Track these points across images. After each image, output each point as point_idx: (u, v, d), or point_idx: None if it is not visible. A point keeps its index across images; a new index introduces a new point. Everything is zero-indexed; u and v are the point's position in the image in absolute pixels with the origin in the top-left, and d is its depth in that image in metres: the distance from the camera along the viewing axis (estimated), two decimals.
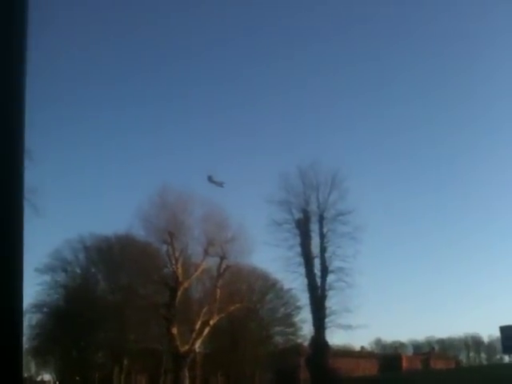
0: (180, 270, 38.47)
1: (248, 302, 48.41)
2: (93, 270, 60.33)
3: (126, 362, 57.48)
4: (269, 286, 59.75)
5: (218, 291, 39.95)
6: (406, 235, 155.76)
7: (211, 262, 41.57)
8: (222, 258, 40.62)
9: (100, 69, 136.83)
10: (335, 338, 47.87)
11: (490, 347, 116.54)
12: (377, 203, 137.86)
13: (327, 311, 41.15)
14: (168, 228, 38.39)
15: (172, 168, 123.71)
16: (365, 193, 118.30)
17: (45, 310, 59.55)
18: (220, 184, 42.05)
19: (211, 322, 39.15)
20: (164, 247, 39.74)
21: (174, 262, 38.52)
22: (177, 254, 38.77)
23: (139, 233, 42.56)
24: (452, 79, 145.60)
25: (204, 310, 39.60)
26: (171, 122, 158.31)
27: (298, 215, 43.41)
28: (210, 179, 41.42)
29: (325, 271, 41.76)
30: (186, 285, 39.56)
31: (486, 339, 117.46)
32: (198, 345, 39.32)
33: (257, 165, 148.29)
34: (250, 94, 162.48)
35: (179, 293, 38.19)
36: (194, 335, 38.42)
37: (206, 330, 39.00)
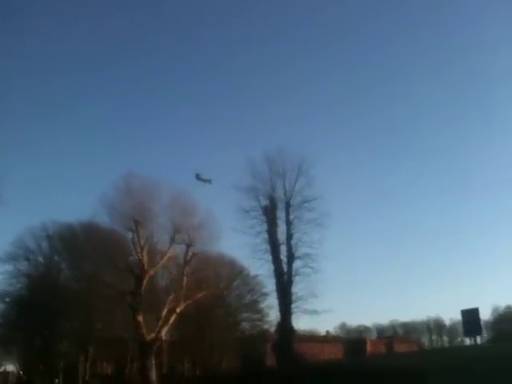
0: (146, 258, 38.07)
1: (215, 289, 48.34)
2: (56, 259, 59.22)
3: (91, 350, 56.97)
4: (236, 272, 59.82)
5: (185, 278, 39.77)
6: (370, 221, 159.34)
7: (178, 250, 41.32)
8: (189, 245, 40.38)
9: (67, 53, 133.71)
10: (301, 323, 48.25)
11: (451, 330, 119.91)
12: (342, 190, 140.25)
13: (293, 297, 41.46)
14: (133, 215, 37.82)
15: (137, 154, 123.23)
16: (331, 180, 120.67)
17: (7, 299, 58.47)
18: (208, 181, 42.42)
19: (178, 310, 39.00)
20: (129, 234, 39.20)
21: (139, 249, 38.06)
22: (142, 242, 38.32)
23: (104, 220, 41.85)
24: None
25: (170, 297, 39.42)
26: (138, 108, 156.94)
27: (264, 202, 43.49)
28: (197, 177, 41.70)
29: (291, 257, 42.01)
30: (151, 272, 39.22)
31: (447, 322, 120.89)
32: (164, 332, 39.06)
33: (224, 151, 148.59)
34: (218, 82, 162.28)
35: (145, 281, 37.82)
36: (160, 323, 38.18)
37: (173, 318, 38.82)
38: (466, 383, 18.26)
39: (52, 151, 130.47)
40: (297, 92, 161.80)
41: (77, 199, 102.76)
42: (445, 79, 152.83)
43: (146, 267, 37.89)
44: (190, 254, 40.62)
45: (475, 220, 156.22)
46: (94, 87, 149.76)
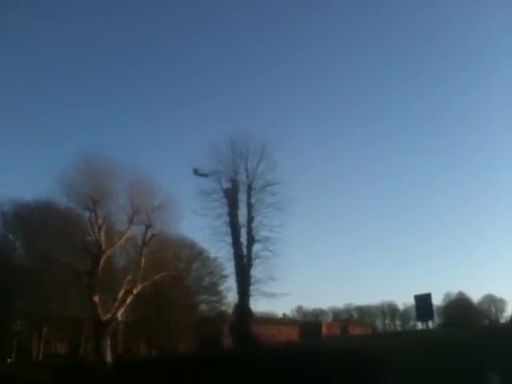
0: (103, 238, 37.57)
1: (173, 271, 48.18)
2: (10, 237, 57.83)
3: (45, 330, 56.14)
4: (195, 254, 59.79)
5: (143, 260, 39.46)
6: (328, 206, 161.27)
7: (136, 231, 40.93)
8: (148, 226, 40.02)
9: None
10: (259, 305, 48.74)
11: (404, 314, 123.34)
12: (304, 176, 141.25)
13: (252, 280, 41.60)
14: (91, 194, 37.18)
15: (98, 134, 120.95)
16: (293, 165, 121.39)
17: None
18: (206, 175, 41.52)
19: (134, 291, 38.72)
20: (87, 214, 38.55)
21: (97, 229, 37.51)
22: (100, 222, 37.76)
23: (61, 199, 40.95)
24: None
25: (128, 278, 39.05)
26: (101, 89, 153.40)
27: (226, 185, 43.30)
28: (195, 172, 40.67)
29: (251, 240, 42.06)
30: (109, 253, 38.78)
31: (401, 307, 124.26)
32: (120, 313, 38.78)
33: (186, 133, 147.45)
34: (182, 64, 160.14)
35: (102, 261, 37.39)
36: (116, 304, 37.87)
37: (130, 299, 38.57)
38: (416, 366, 18.76)
39: (9, 129, 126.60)
40: (261, 74, 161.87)
41: (34, 178, 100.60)
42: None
43: (103, 247, 37.42)
44: (149, 235, 40.28)
45: (430, 208, 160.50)
46: (53, 65, 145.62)
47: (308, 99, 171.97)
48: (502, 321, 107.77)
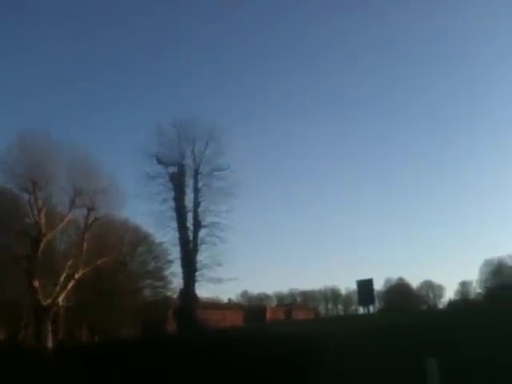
0: (43, 221, 36.37)
1: (117, 255, 47.30)
2: None
3: None
4: (140, 239, 58.90)
5: (85, 244, 38.57)
6: (274, 191, 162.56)
7: (78, 214, 39.93)
8: (91, 209, 39.08)
9: None
10: (204, 290, 48.58)
11: (347, 299, 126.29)
12: (252, 161, 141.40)
13: (198, 265, 41.43)
14: (30, 175, 35.85)
15: (38, 114, 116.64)
16: (242, 150, 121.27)
17: None
18: (170, 164, 41.99)
19: (76, 276, 37.88)
20: (26, 196, 37.18)
21: (36, 211, 36.29)
22: (40, 204, 36.54)
23: None
24: None
25: (69, 262, 38.08)
26: (41, 66, 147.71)
27: (172, 169, 42.71)
28: (158, 161, 41.70)
29: (198, 226, 41.79)
30: (49, 236, 37.61)
31: (343, 292, 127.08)
32: (61, 298, 37.85)
33: (132, 115, 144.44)
34: (131, 44, 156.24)
35: (42, 244, 36.29)
36: (57, 288, 36.96)
37: (71, 284, 37.74)
38: (357, 349, 19.14)
39: None
40: (211, 58, 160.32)
41: None
42: None
43: (43, 230, 36.27)
44: (92, 218, 39.39)
45: (372, 195, 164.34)
46: None
47: (258, 83, 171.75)
48: (440, 306, 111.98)
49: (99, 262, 39.92)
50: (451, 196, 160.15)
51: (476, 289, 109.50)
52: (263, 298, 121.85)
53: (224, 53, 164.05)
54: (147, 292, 65.70)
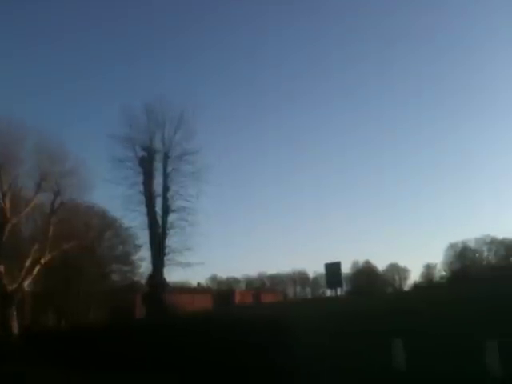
0: (8, 205, 35.76)
1: (84, 240, 46.73)
2: None
3: None
4: (107, 223, 58.26)
5: (51, 228, 38.01)
6: (243, 175, 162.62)
7: (44, 198, 39.27)
8: (57, 193, 38.50)
9: None
10: (173, 275, 48.46)
11: (314, 282, 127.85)
12: (222, 146, 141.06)
13: (167, 249, 41.27)
14: None
15: (2, 96, 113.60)
16: (211, 134, 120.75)
17: None
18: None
19: (42, 260, 37.41)
20: None
21: (1, 195, 35.62)
22: (5, 188, 35.88)
23: None
24: None
25: (35, 247, 37.55)
26: (8, 44, 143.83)
27: (141, 152, 42.24)
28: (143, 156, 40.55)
29: (166, 210, 41.55)
30: (14, 220, 36.98)
31: (311, 275, 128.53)
32: (27, 283, 37.39)
33: (100, 97, 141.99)
34: (97, 27, 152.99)
35: (7, 229, 35.73)
36: (23, 273, 36.46)
37: (37, 269, 37.26)
38: (324, 330, 19.46)
39: None
40: (181, 40, 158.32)
41: None
42: None
43: (8, 215, 35.72)
44: (58, 202, 38.84)
45: (339, 179, 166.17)
46: None
47: (227, 66, 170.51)
48: (405, 289, 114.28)
49: (66, 246, 39.44)
50: (417, 180, 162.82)
51: (440, 271, 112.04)
52: (232, 282, 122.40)
53: (194, 36, 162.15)
54: (115, 277, 65.23)
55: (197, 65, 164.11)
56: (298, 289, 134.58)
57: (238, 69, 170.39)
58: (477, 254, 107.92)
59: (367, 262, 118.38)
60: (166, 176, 41.99)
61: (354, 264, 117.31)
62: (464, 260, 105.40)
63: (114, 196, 42.31)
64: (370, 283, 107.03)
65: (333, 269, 39.61)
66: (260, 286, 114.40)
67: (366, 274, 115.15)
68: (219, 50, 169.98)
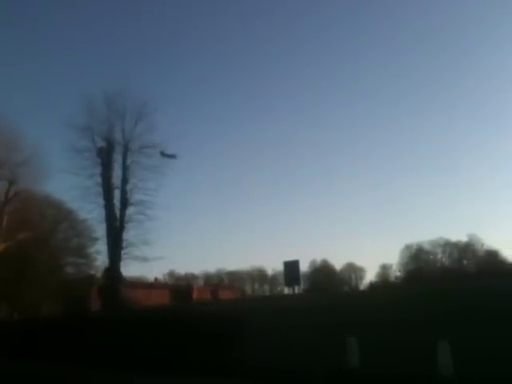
0: None
1: (39, 231, 45.62)
2: None
3: None
4: (63, 215, 56.93)
5: (5, 218, 37.03)
6: (203, 170, 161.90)
7: None
8: (11, 182, 37.51)
9: None
10: (130, 269, 47.82)
11: (273, 280, 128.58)
12: (183, 138, 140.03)
13: (124, 243, 40.77)
14: None
15: None
16: (172, 126, 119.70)
17: None
18: (173, 156, 42.06)
19: None
20: None
21: None
22: None
23: None
24: None
25: None
26: None
27: (100, 143, 41.50)
28: (162, 154, 40.95)
29: (125, 203, 41.02)
30: None
31: (270, 272, 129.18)
32: None
33: (59, 85, 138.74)
34: (59, 12, 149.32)
35: None
36: None
37: None
38: (281, 325, 19.57)
39: None
40: (145, 32, 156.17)
41: None
42: None
43: None
44: (13, 192, 37.86)
45: (297, 178, 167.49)
46: None
47: (191, 57, 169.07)
48: (361, 288, 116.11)
49: (20, 237, 38.46)
50: (375, 182, 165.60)
51: (396, 272, 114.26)
52: (190, 278, 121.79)
53: (159, 27, 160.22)
54: (70, 269, 63.85)
55: (161, 57, 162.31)
56: (257, 286, 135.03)
57: (203, 61, 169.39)
58: (431, 256, 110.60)
59: (325, 261, 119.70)
60: (125, 168, 41.42)
61: (312, 263, 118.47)
62: (418, 261, 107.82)
63: (71, 187, 41.50)
64: (327, 282, 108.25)
65: (291, 267, 39.92)
66: (218, 283, 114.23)
67: (323, 273, 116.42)
68: (183, 42, 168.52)
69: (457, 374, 12.52)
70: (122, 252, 40.57)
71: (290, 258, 41.22)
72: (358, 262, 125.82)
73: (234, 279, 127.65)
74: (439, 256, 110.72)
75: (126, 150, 41.58)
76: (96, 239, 52.81)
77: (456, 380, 12.44)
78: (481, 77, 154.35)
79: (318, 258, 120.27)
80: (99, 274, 48.88)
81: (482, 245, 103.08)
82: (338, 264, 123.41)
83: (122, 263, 40.84)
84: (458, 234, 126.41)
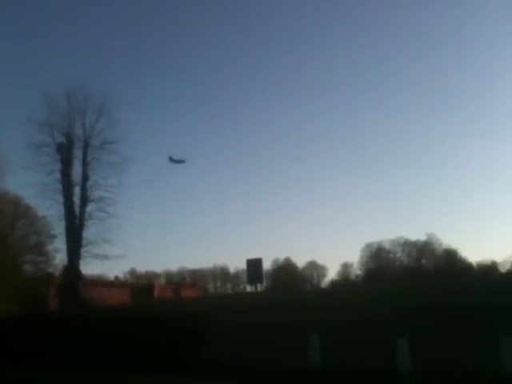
0: None
1: None
2: None
3: None
4: (21, 211, 55.53)
5: None
6: (165, 166, 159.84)
7: None
8: None
9: None
10: (90, 267, 47.01)
11: (235, 278, 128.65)
12: (145, 135, 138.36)
13: (84, 241, 40.14)
14: None
15: None
16: (135, 123, 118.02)
17: None
18: (182, 161, 43.59)
19: None
20: None
21: None
22: None
23: None
24: None
25: None
26: None
27: (60, 139, 40.70)
28: (171, 159, 42.62)
29: (85, 200, 40.41)
30: None
31: (232, 270, 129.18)
32: None
33: (18, 79, 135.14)
34: (20, 8, 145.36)
35: None
36: None
37: None
38: (244, 324, 19.55)
39: None
40: (109, 28, 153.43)
41: None
42: None
43: None
44: None
45: (261, 178, 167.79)
46: None
47: (157, 54, 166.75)
48: (323, 286, 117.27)
49: None
50: (337, 182, 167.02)
51: (356, 270, 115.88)
52: (152, 276, 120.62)
53: (122, 22, 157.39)
54: (28, 267, 62.36)
55: (124, 54, 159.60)
56: (219, 284, 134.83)
57: (169, 58, 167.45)
58: (391, 255, 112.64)
59: (287, 259, 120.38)
60: (85, 164, 40.80)
61: (275, 261, 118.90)
62: (379, 260, 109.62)
63: (29, 183, 40.61)
64: (289, 280, 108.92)
65: (254, 265, 39.97)
66: (180, 281, 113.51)
67: (285, 271, 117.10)
68: (147, 38, 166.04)
69: (414, 370, 12.76)
70: (82, 250, 40.02)
71: (253, 256, 41.29)
72: (320, 261, 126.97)
73: (196, 277, 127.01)
74: (398, 255, 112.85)
75: (86, 146, 40.97)
76: (55, 237, 51.79)
77: (413, 376, 12.68)
78: (444, 74, 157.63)
79: (281, 256, 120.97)
80: (58, 273, 47.88)
81: (441, 244, 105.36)
82: (300, 262, 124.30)
83: (81, 261, 40.34)
84: (417, 234, 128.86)
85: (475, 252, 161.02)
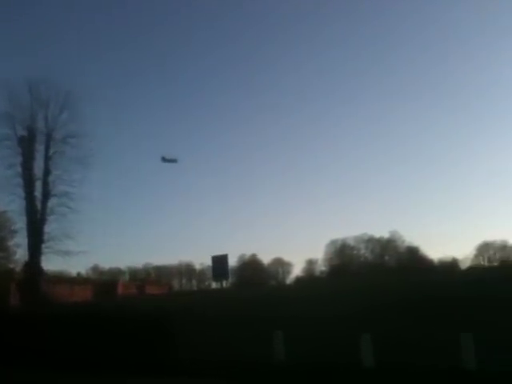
0: None
1: None
2: None
3: None
4: None
5: None
6: (131, 161, 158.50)
7: None
8: None
9: None
10: (51, 263, 46.03)
11: (201, 274, 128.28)
12: (110, 129, 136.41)
13: (45, 236, 39.33)
14: None
15: None
16: (100, 117, 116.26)
17: None
18: (174, 160, 43.86)
19: None
20: None
21: None
22: None
23: None
24: None
25: None
26: None
27: (21, 132, 39.72)
28: (164, 159, 42.91)
29: (47, 195, 39.57)
30: None
31: (198, 267, 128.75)
32: None
33: None
34: None
35: None
36: None
37: None
38: (209, 321, 19.50)
39: None
40: (74, 18, 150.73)
41: None
42: None
43: None
44: None
45: (231, 174, 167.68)
46: None
47: (125, 46, 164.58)
48: (288, 282, 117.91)
49: None
50: (303, 180, 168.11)
51: (321, 266, 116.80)
52: (115, 273, 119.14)
53: (89, 13, 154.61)
54: None
55: (90, 45, 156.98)
56: (184, 281, 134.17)
57: (138, 51, 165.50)
58: (355, 251, 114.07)
59: (253, 256, 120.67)
60: (47, 158, 39.92)
61: (241, 257, 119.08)
62: (343, 256, 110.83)
63: None
64: (255, 276, 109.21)
65: (219, 261, 39.74)
66: (145, 278, 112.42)
67: (251, 267, 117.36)
68: (114, 29, 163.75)
69: (377, 365, 12.94)
70: (43, 245, 39.19)
71: (220, 253, 41.02)
72: (286, 257, 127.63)
73: (161, 274, 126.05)
74: (362, 251, 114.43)
75: (48, 140, 40.07)
76: (15, 232, 50.66)
77: (376, 370, 12.87)
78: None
79: (248, 252, 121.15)
80: (19, 268, 46.86)
81: (403, 241, 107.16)
82: (266, 259, 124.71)
83: (43, 257, 39.49)
84: (381, 231, 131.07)
85: (437, 249, 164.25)
